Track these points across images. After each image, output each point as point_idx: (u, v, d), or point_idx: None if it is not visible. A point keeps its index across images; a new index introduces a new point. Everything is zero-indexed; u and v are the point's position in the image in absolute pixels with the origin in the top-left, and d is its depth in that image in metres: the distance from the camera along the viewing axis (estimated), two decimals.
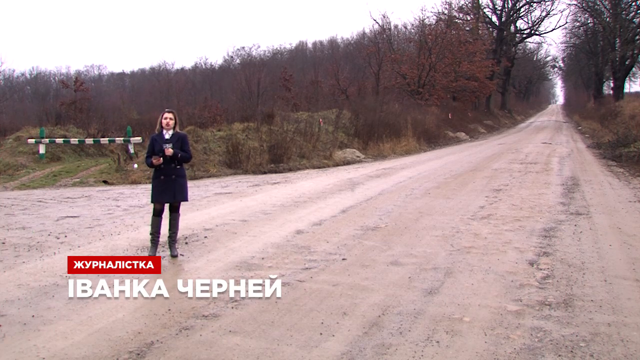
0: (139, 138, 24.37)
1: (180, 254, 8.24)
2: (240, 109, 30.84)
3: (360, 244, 8.79)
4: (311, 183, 16.91)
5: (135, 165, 20.03)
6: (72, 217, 11.60)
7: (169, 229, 8.30)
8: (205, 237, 9.42)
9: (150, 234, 8.24)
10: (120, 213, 11.88)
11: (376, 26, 54.94)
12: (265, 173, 20.62)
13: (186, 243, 8.97)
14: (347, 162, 24.43)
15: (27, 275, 7.31)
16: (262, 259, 7.93)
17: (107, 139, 25.19)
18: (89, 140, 25.67)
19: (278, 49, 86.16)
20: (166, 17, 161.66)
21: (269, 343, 5.01)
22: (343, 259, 7.86)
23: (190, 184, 17.46)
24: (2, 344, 5.08)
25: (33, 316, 5.77)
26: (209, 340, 5.09)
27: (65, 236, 9.69)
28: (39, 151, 24.65)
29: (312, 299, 6.21)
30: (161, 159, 8.05)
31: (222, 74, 72.25)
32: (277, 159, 22.18)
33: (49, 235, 9.84)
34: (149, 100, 60.47)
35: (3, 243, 9.23)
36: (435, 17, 54.23)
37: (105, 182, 18.40)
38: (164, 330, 5.34)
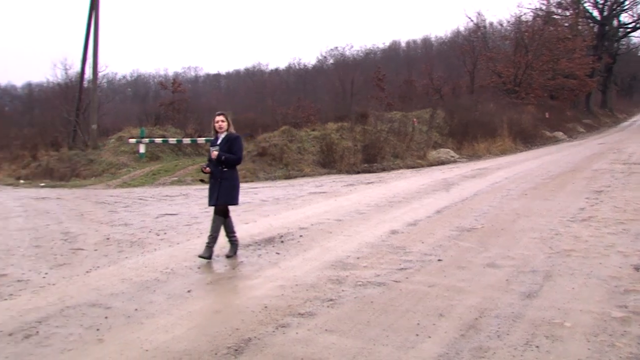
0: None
1: (276, 252, 8.35)
2: (333, 108, 30.98)
3: (455, 245, 8.67)
4: (405, 183, 16.82)
5: None
6: (171, 214, 11.94)
7: (210, 230, 8.26)
8: (301, 236, 9.51)
9: (226, 236, 8.33)
10: None
11: (471, 24, 53.87)
12: (358, 173, 20.62)
13: (282, 242, 9.08)
14: (441, 162, 24.15)
15: (130, 270, 7.58)
16: (358, 258, 7.92)
17: (204, 138, 25.74)
18: (186, 140, 26.37)
19: (371, 48, 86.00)
20: (261, 19, 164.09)
21: (365, 343, 5.00)
22: (439, 260, 7.76)
23: (284, 183, 17.84)
24: (108, 334, 5.27)
25: (136, 309, 5.96)
26: (305, 338, 5.12)
27: (165, 233, 9.98)
28: (139, 150, 25.46)
29: (408, 299, 6.16)
30: (208, 168, 8.19)
31: (315, 74, 72.76)
32: (371, 159, 22.16)
33: (149, 232, 10.16)
34: (244, 101, 61.48)
35: (107, 239, 9.59)
36: (532, 14, 52.75)
37: (202, 181, 18.69)
38: (261, 327, 5.40)
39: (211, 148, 8.11)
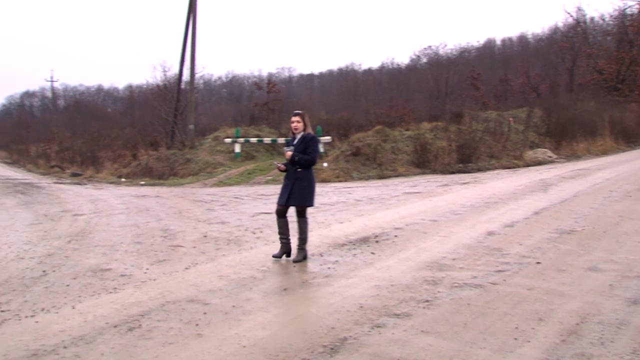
0: (329, 137, 24.96)
1: (371, 252, 8.31)
2: (427, 108, 30.73)
3: (555, 247, 8.42)
4: (501, 183, 16.49)
5: (325, 164, 20.48)
6: (266, 213, 12.09)
7: (297, 233, 8.16)
8: (396, 236, 9.45)
9: (278, 234, 8.28)
10: (311, 210, 12.16)
11: (570, 20, 52.20)
12: (453, 173, 20.35)
13: (377, 241, 9.04)
14: (538, 163, 23.54)
15: (227, 267, 7.72)
16: (453, 259, 7.81)
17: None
18: (281, 140, 26.63)
19: (465, 47, 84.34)
20: (354, 19, 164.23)
21: (462, 345, 4.91)
22: (537, 263, 7.56)
23: (378, 182, 17.82)
24: (207, 329, 5.38)
25: (233, 306, 6.06)
26: (401, 338, 5.07)
27: (261, 231, 10.13)
28: (234, 150, 25.93)
29: (506, 302, 6.01)
30: (283, 166, 8.14)
31: (408, 73, 72.13)
32: (466, 159, 21.83)
33: (245, 230, 10.33)
34: (337, 101, 61.72)
35: (205, 236, 9.82)
36: (637, 6, 50.55)
37: None
38: (357, 326, 5.38)
39: (285, 148, 8.08)
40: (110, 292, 6.73)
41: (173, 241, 9.58)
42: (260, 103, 38.29)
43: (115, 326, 5.53)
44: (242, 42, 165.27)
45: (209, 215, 12.15)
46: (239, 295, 6.45)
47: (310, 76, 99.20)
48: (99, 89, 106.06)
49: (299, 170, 8.00)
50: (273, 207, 12.77)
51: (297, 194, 8.00)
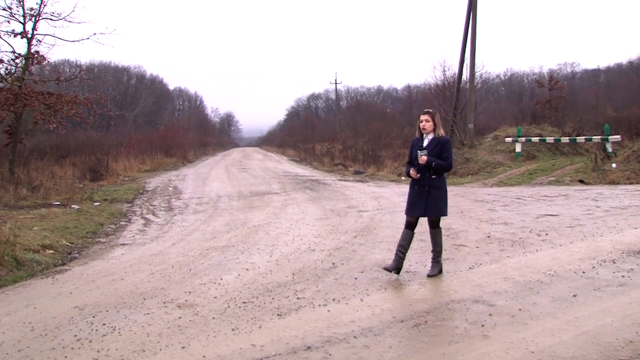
0: (618, 137, 23.50)
1: None
2: None
3: None
4: None
5: (614, 165, 19.29)
6: (551, 215, 11.68)
7: (431, 245, 7.60)
8: None
9: (398, 247, 7.58)
10: (600, 214, 11.54)
11: None
12: None
13: None
14: None
15: (512, 269, 7.57)
16: None
17: (584, 137, 24.80)
18: (565, 139, 25.62)
19: None
20: None
21: None
22: None
23: None
24: (493, 332, 5.31)
25: (520, 309, 5.92)
26: None
27: (546, 234, 9.78)
28: (515, 149, 25.43)
29: None
30: (418, 174, 7.35)
31: None
32: None
33: (530, 232, 10.05)
34: (627, 96, 57.86)
35: (488, 237, 9.73)
36: None
37: (581, 181, 18.10)
38: None
39: (419, 152, 7.40)
40: (396, 288, 6.95)
41: (456, 240, 9.61)
42: (541, 101, 37.13)
43: (402, 321, 5.69)
44: (520, 38, 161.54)
45: (491, 215, 12.01)
46: (525, 299, 6.29)
47: (596, 71, 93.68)
48: (379, 90, 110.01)
49: (434, 177, 7.39)
50: (558, 209, 12.44)
51: (434, 204, 7.40)
